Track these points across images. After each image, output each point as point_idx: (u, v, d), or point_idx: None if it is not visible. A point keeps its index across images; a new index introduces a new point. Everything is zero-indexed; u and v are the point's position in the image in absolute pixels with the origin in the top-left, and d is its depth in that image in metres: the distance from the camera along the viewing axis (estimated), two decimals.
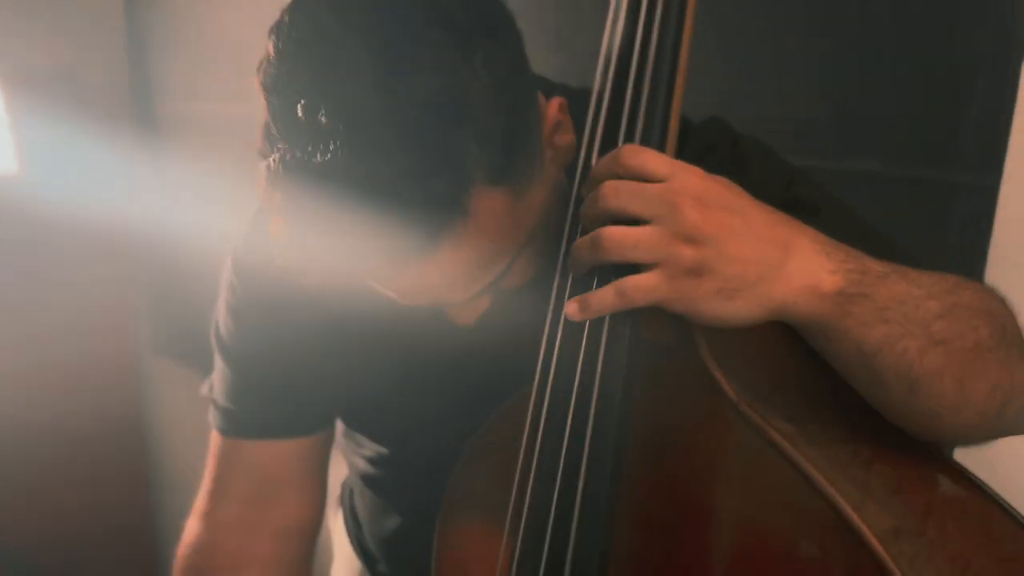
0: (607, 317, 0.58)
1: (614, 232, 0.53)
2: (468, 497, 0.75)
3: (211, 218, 1.75)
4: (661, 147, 0.59)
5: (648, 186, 0.54)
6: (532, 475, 0.61)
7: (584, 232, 0.56)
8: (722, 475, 0.57)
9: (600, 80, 0.62)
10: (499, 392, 0.72)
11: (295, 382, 0.86)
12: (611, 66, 0.62)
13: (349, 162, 0.53)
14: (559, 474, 0.60)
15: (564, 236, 0.62)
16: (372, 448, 0.93)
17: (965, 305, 0.57)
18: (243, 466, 0.88)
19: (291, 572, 0.92)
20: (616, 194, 0.54)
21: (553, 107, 0.64)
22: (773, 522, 0.54)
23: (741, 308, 0.53)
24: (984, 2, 0.96)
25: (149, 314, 2.10)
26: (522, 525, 0.62)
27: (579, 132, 0.64)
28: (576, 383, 0.59)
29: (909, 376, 0.55)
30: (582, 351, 0.59)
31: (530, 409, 0.62)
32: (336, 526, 1.18)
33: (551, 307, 0.62)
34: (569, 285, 0.60)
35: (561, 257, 0.62)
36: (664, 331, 0.58)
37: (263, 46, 0.58)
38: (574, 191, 0.63)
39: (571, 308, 0.57)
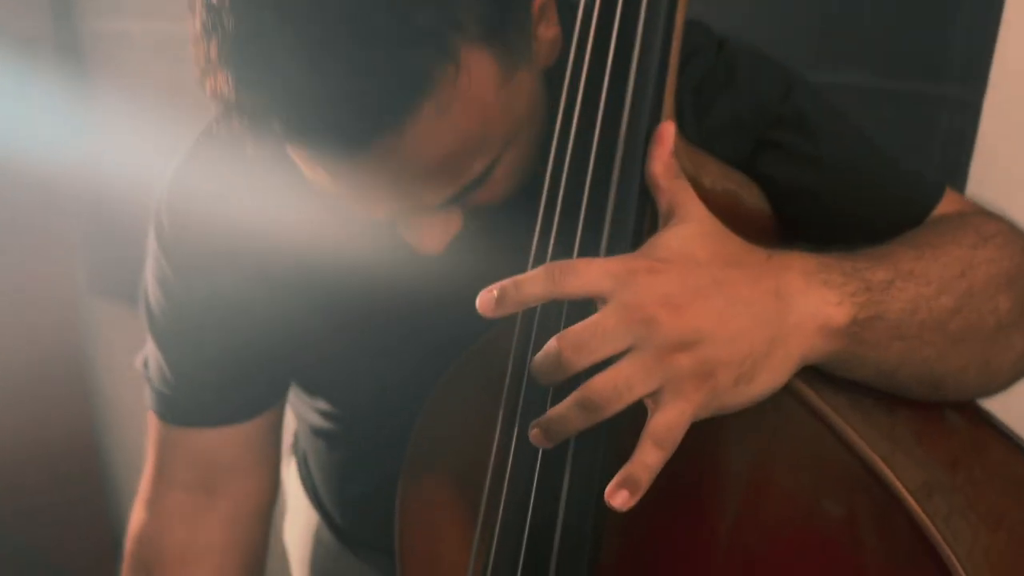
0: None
1: (603, 387, 0.44)
2: (438, 448, 0.70)
3: (141, 146, 1.66)
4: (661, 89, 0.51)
5: (605, 319, 0.45)
6: (516, 427, 0.55)
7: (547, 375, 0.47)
8: (737, 429, 0.51)
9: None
10: (473, 339, 0.65)
11: (236, 359, 0.78)
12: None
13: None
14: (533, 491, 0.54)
15: (550, 158, 0.55)
16: (328, 407, 0.85)
17: (980, 286, 0.52)
18: (185, 452, 0.81)
19: (247, 555, 0.86)
20: (578, 351, 0.45)
21: None
22: (794, 480, 0.49)
23: (767, 382, 0.46)
24: None
25: (85, 252, 2.00)
26: (506, 476, 0.56)
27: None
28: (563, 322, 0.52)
29: (932, 379, 0.51)
30: None
31: (513, 346, 0.55)
32: (289, 477, 1.13)
33: (535, 243, 0.54)
34: (556, 220, 0.53)
35: (547, 185, 0.54)
36: None
37: None
38: (560, 107, 0.54)
39: (534, 435, 0.48)
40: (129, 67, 1.66)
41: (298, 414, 0.93)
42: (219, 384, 0.78)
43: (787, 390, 0.48)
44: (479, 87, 0.50)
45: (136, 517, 0.83)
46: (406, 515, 0.74)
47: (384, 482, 0.79)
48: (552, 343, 0.45)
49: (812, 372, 0.50)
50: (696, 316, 0.44)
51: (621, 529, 0.53)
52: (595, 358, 0.45)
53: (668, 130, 0.50)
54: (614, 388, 0.44)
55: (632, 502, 0.45)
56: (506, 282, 0.47)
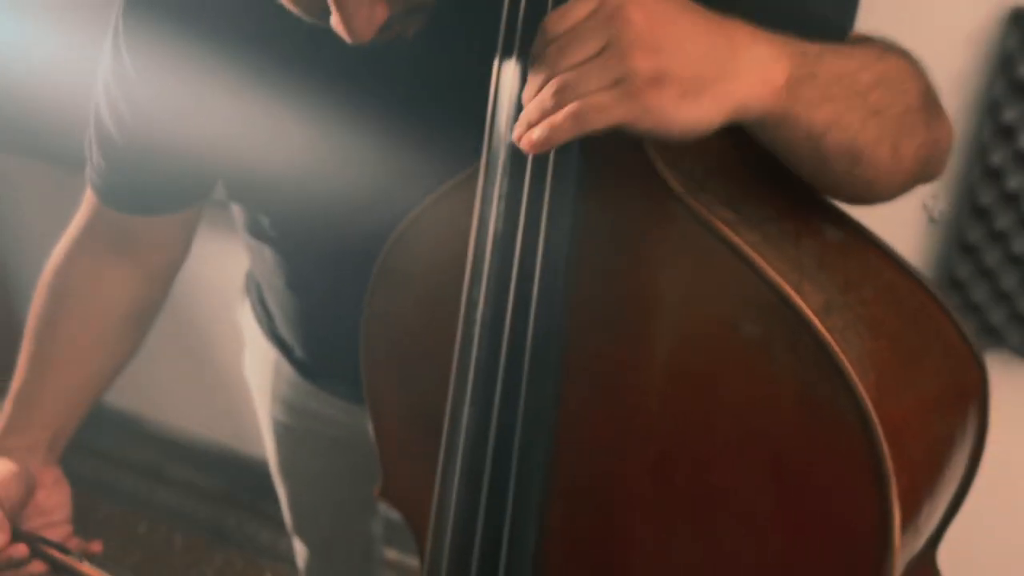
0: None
1: (571, 74, 0.48)
2: (406, 279, 0.73)
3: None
4: None
5: (585, 24, 0.48)
6: (481, 296, 0.60)
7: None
8: (668, 270, 0.58)
9: None
10: (423, 131, 0.69)
11: (163, 161, 0.82)
12: None
13: None
14: (510, 297, 0.59)
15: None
16: (268, 220, 0.89)
17: (893, 71, 0.58)
18: (108, 222, 0.90)
19: (137, 309, 0.96)
20: (560, 52, 0.48)
21: None
22: (717, 308, 0.56)
23: (708, 109, 0.49)
24: None
25: None
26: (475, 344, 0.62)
27: None
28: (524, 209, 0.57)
29: (853, 149, 0.56)
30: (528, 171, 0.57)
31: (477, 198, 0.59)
32: (244, 316, 1.16)
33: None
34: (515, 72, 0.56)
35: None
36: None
37: None
38: None
39: (526, 140, 0.51)
40: None
41: (250, 247, 0.97)
42: (144, 183, 0.86)
43: (710, 232, 0.54)
44: None
45: (57, 252, 0.92)
46: (373, 331, 0.77)
47: (335, 298, 0.85)
48: (542, 66, 0.50)
49: (735, 205, 0.56)
50: (662, 30, 0.48)
51: (581, 359, 0.60)
52: (576, 53, 0.49)
53: None
54: (578, 75, 0.48)
55: (534, 150, 0.51)
56: (537, 43, 0.51)
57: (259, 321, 1.09)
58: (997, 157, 1.04)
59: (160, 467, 2.18)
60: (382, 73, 0.69)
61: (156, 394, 2.17)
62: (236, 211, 0.94)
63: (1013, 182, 1.04)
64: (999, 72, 1.02)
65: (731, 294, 0.55)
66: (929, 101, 0.62)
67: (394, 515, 0.88)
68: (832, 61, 0.54)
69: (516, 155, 0.57)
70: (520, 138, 0.51)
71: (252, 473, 2.10)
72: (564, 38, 0.49)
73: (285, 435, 1.16)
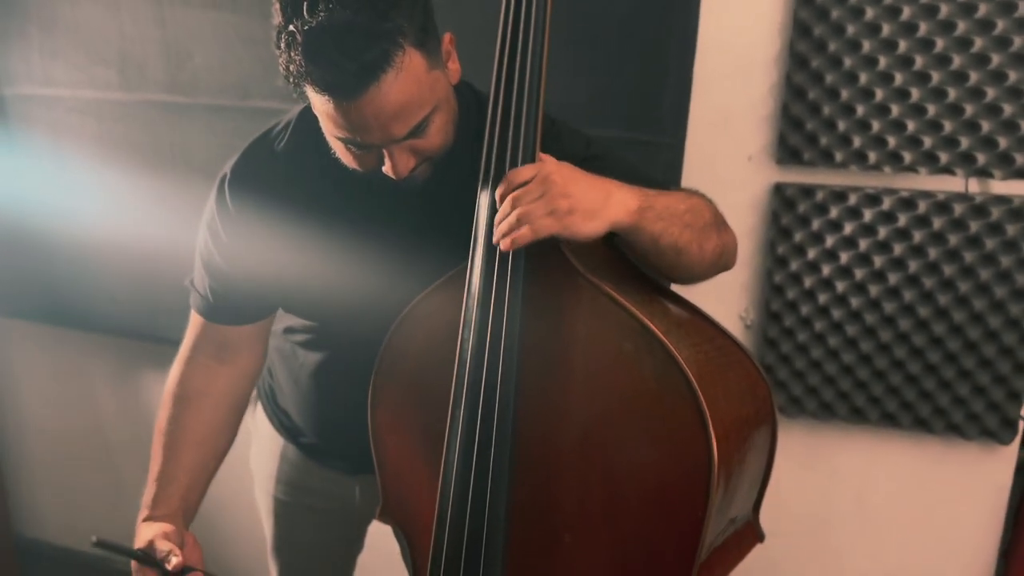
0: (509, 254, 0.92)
1: (525, 208, 0.87)
2: (404, 353, 1.05)
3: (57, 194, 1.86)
4: (533, 141, 0.94)
5: (530, 184, 0.88)
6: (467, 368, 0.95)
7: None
8: (578, 320, 0.95)
9: (492, 106, 0.95)
10: (431, 255, 1.04)
11: (251, 289, 1.17)
12: (499, 101, 0.95)
13: (332, 19, 0.85)
14: (486, 353, 0.94)
15: (484, 147, 0.95)
16: (308, 324, 1.22)
17: (695, 203, 0.99)
18: (211, 336, 1.21)
19: (237, 399, 1.24)
20: (516, 200, 0.88)
21: (447, 39, 0.98)
22: (607, 336, 0.92)
23: (597, 225, 0.88)
24: (670, 29, 1.41)
25: None
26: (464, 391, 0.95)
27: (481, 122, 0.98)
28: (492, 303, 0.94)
29: (676, 247, 0.96)
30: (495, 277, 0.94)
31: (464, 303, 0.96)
32: (256, 417, 1.45)
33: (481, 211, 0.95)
34: (487, 205, 0.94)
35: (483, 165, 0.94)
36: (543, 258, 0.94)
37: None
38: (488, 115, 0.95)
39: (505, 243, 0.88)
40: (52, 126, 1.86)
41: (282, 354, 1.29)
42: (236, 304, 1.19)
43: (601, 292, 0.92)
44: (415, 68, 0.90)
45: (175, 370, 1.21)
46: (378, 419, 1.08)
47: (354, 401, 1.14)
48: (507, 203, 0.88)
49: (613, 282, 0.95)
50: (571, 186, 0.87)
51: (532, 389, 0.96)
52: (526, 197, 0.87)
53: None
54: (529, 209, 0.86)
55: (508, 248, 0.88)
56: (502, 189, 0.90)
57: (270, 418, 1.38)
58: (778, 277, 1.49)
59: None
60: (401, 212, 1.08)
61: (125, 535, 2.28)
62: (276, 330, 1.28)
63: (791, 294, 1.49)
64: (772, 222, 1.49)
65: (615, 327, 0.92)
66: (718, 220, 1.04)
67: None
68: (661, 199, 0.95)
69: (490, 255, 0.95)
70: (498, 242, 0.90)
71: None
72: (519, 190, 0.88)
73: (284, 512, 1.40)
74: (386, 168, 0.97)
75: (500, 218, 0.90)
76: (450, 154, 1.03)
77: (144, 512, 1.12)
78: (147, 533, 1.07)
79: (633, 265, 1.03)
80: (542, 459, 0.96)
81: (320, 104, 0.92)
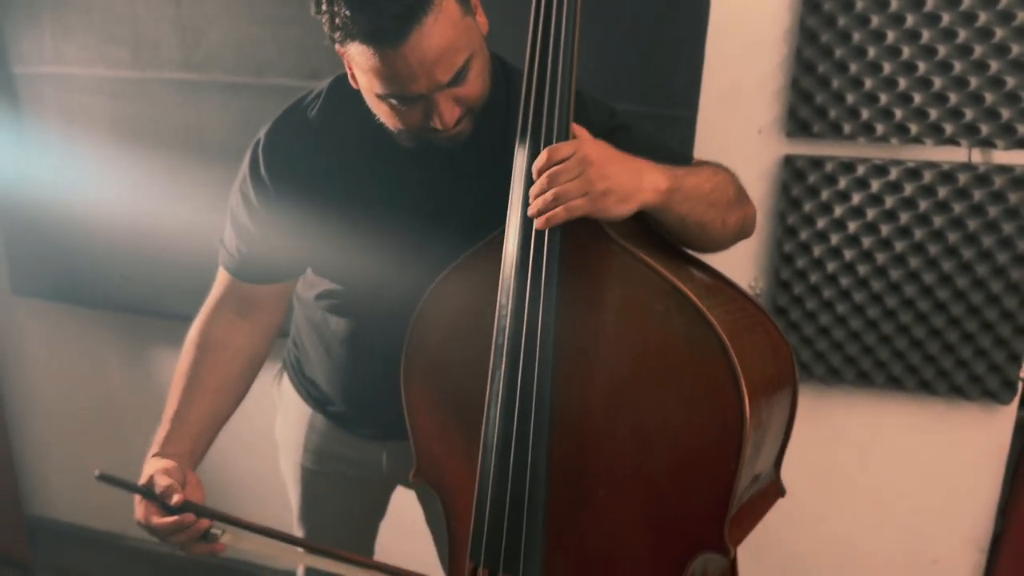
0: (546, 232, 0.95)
1: (564, 186, 0.90)
2: (438, 319, 1.07)
3: (69, 173, 1.86)
4: (567, 110, 0.97)
5: (568, 163, 0.90)
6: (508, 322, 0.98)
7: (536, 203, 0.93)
8: (611, 284, 0.98)
9: (527, 78, 0.97)
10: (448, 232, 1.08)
11: (279, 249, 1.20)
12: (534, 72, 0.97)
13: None
14: (525, 319, 0.97)
15: (521, 102, 0.97)
16: (336, 288, 1.24)
17: (720, 181, 1.03)
18: (235, 292, 1.24)
19: (254, 354, 1.27)
20: (553, 178, 0.91)
21: None
22: (639, 298, 0.96)
23: (630, 205, 0.92)
24: (683, 6, 1.44)
25: (4, 256, 2.12)
26: (504, 354, 0.98)
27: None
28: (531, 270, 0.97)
29: (701, 223, 1.00)
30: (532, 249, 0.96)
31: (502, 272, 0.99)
32: (282, 388, 1.47)
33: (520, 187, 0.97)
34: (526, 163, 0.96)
35: (520, 121, 0.97)
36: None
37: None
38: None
39: (539, 222, 0.92)
40: (62, 105, 1.86)
41: (314, 323, 1.31)
42: (263, 264, 1.22)
43: (633, 257, 0.96)
44: (451, 12, 0.93)
45: (198, 320, 1.24)
46: (411, 384, 1.11)
47: (385, 368, 1.18)
48: (544, 180, 0.90)
49: (643, 247, 0.98)
50: (608, 166, 0.90)
51: (569, 352, 0.99)
52: (563, 176, 0.89)
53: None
54: (565, 189, 0.89)
55: (544, 227, 0.92)
56: (540, 163, 0.92)
57: (297, 389, 1.41)
58: (788, 247, 1.53)
59: None
60: (432, 181, 1.11)
61: None
62: (307, 297, 1.30)
63: (800, 262, 1.53)
64: (782, 193, 1.53)
65: (647, 290, 0.96)
66: (741, 194, 1.08)
67: None
68: (688, 179, 0.99)
69: (526, 223, 0.97)
70: (535, 220, 0.93)
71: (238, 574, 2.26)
72: (557, 167, 0.91)
73: (311, 481, 1.43)
74: (434, 121, 0.99)
75: (536, 192, 0.93)
76: (481, 122, 1.06)
77: (154, 448, 1.15)
78: (150, 468, 1.10)
79: (657, 233, 1.07)
80: (578, 419, 1.00)
81: (365, 60, 0.95)
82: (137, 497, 1.08)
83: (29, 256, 2.03)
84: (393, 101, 0.99)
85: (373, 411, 1.32)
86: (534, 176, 0.93)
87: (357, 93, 1.07)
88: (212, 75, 1.70)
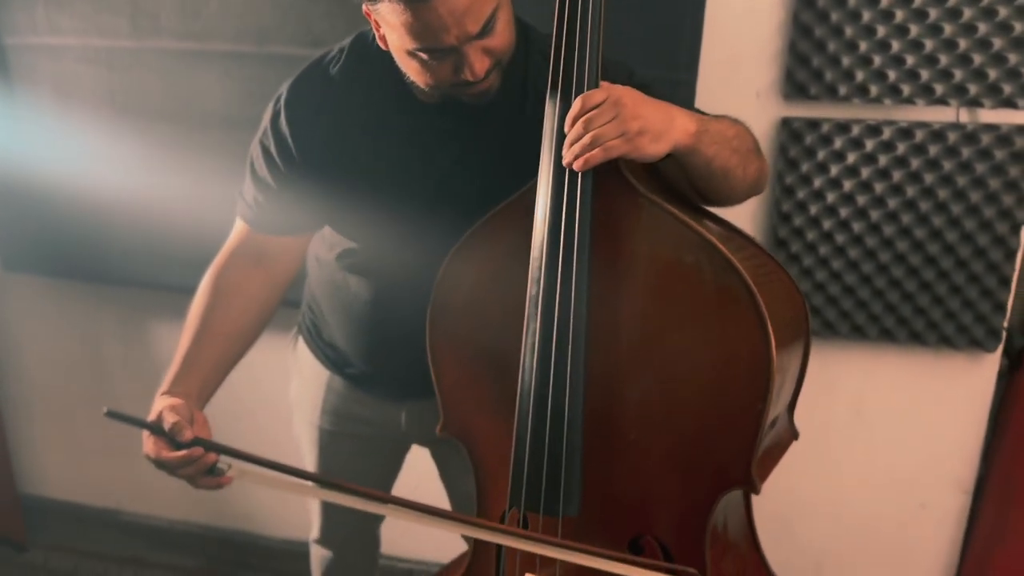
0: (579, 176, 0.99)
1: (599, 130, 0.93)
2: (466, 274, 1.10)
3: (55, 142, 1.84)
4: (597, 64, 1.01)
5: (602, 107, 0.94)
6: (542, 274, 1.01)
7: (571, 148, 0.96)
8: (640, 234, 1.02)
9: (556, 34, 1.01)
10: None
11: (296, 201, 1.21)
12: (563, 28, 1.01)
13: None
14: (559, 266, 1.00)
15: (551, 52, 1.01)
16: (356, 246, 1.26)
17: (741, 131, 1.08)
18: (251, 242, 1.26)
19: (266, 302, 1.28)
20: (589, 122, 0.94)
21: None
22: (668, 249, 1.00)
23: (662, 145, 0.96)
24: None
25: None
26: (539, 310, 1.02)
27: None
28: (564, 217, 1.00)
29: (725, 169, 1.04)
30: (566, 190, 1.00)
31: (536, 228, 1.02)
32: (298, 352, 1.49)
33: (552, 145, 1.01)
34: (557, 115, 1.00)
35: (550, 76, 1.01)
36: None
37: None
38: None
39: (578, 164, 0.95)
40: (54, 76, 1.83)
41: (335, 284, 1.32)
42: (280, 217, 1.23)
43: (661, 209, 1.00)
44: None
45: (214, 264, 1.26)
46: (437, 340, 1.14)
47: (407, 326, 1.21)
48: (580, 125, 0.94)
49: (672, 202, 1.02)
50: (640, 108, 0.94)
51: (602, 297, 1.03)
52: (599, 119, 0.93)
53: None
54: (602, 131, 0.93)
55: (580, 168, 0.95)
56: (575, 111, 0.95)
57: (315, 353, 1.43)
58: (785, 206, 1.59)
59: (143, 556, 2.29)
60: (452, 140, 1.14)
61: (134, 488, 2.32)
62: (328, 259, 1.31)
63: (797, 221, 1.59)
64: (780, 154, 1.58)
65: (675, 241, 1.00)
66: (756, 146, 1.12)
67: None
68: (713, 123, 1.03)
69: (559, 175, 1.00)
70: (570, 164, 0.96)
71: (233, 546, 2.27)
72: (592, 112, 0.95)
73: (329, 442, 1.46)
74: (464, 73, 1.01)
75: (573, 139, 0.96)
76: (504, 83, 1.08)
77: (164, 386, 1.16)
78: (159, 405, 1.12)
79: (675, 190, 1.10)
80: (611, 365, 1.04)
81: (396, 16, 0.97)
82: (146, 432, 1.10)
83: (22, 231, 2.01)
84: (424, 56, 1.01)
85: (393, 371, 1.34)
86: (567, 127, 0.97)
87: (380, 49, 1.09)
88: (212, 44, 1.70)
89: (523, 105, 1.13)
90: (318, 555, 1.63)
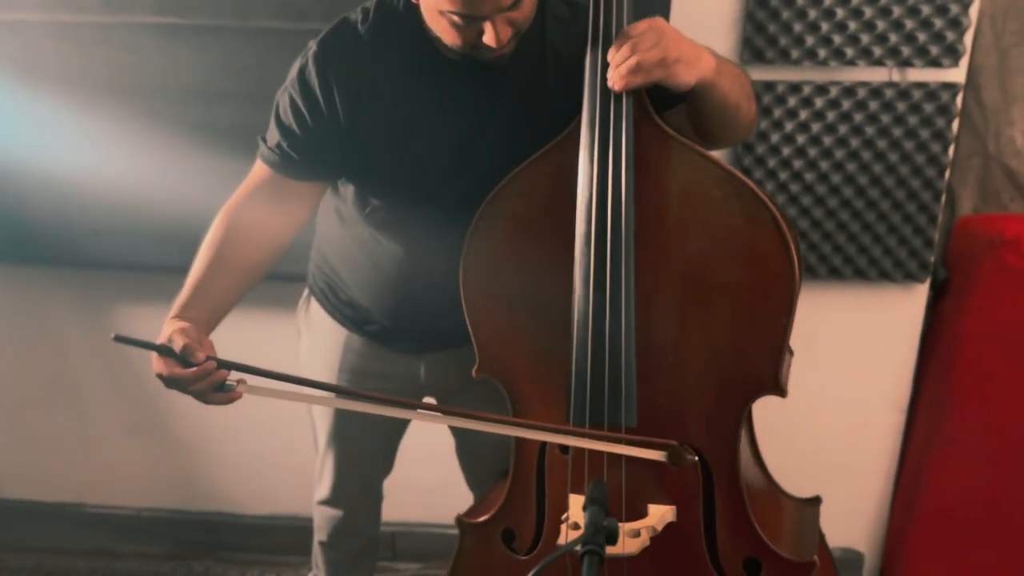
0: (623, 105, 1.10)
1: (643, 54, 1.06)
2: (504, 218, 1.19)
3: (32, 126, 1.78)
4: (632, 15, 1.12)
5: (645, 33, 1.06)
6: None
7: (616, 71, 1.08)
8: (671, 172, 1.14)
9: None
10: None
11: (322, 157, 1.26)
12: None
13: None
14: (609, 202, 1.11)
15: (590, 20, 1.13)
16: (387, 210, 1.31)
17: (743, 73, 1.22)
18: (272, 183, 1.28)
19: (279, 243, 1.30)
20: (634, 47, 1.07)
21: None
22: (699, 185, 1.13)
23: (694, 74, 1.09)
24: None
25: None
26: (592, 244, 1.12)
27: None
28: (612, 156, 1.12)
29: (736, 105, 1.18)
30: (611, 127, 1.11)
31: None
32: (310, 315, 1.52)
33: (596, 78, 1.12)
34: (600, 61, 1.12)
35: (591, 31, 1.12)
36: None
37: None
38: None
39: (620, 83, 1.07)
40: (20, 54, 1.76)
41: (358, 239, 1.36)
42: (302, 163, 1.26)
43: (689, 149, 1.12)
44: None
45: (232, 200, 1.28)
46: (471, 283, 1.22)
47: (435, 279, 1.28)
48: (627, 48, 1.06)
49: (696, 145, 1.14)
50: (678, 37, 1.08)
51: (647, 238, 1.13)
52: (642, 44, 1.05)
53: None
54: (644, 56, 1.05)
55: (619, 88, 1.08)
56: (620, 39, 1.08)
57: (332, 313, 1.46)
58: (746, 161, 1.75)
59: (111, 547, 2.24)
60: (477, 95, 1.22)
61: (95, 479, 2.24)
62: (354, 216, 1.35)
63: (757, 174, 1.75)
64: None
65: (704, 177, 1.13)
66: (752, 89, 1.26)
67: None
68: (726, 63, 1.17)
69: (605, 106, 1.11)
70: (615, 85, 1.08)
71: (204, 527, 2.24)
72: (636, 38, 1.06)
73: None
74: (487, 38, 1.09)
75: (619, 61, 1.08)
76: (522, 40, 1.17)
77: (174, 311, 1.19)
78: (168, 328, 1.15)
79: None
80: (656, 290, 1.15)
81: None
82: (155, 355, 1.12)
83: None
84: (455, 18, 1.08)
85: (418, 325, 1.39)
86: (610, 56, 1.08)
87: (405, 8, 1.16)
88: (191, 18, 1.69)
89: (542, 62, 1.22)
90: (326, 516, 1.65)
